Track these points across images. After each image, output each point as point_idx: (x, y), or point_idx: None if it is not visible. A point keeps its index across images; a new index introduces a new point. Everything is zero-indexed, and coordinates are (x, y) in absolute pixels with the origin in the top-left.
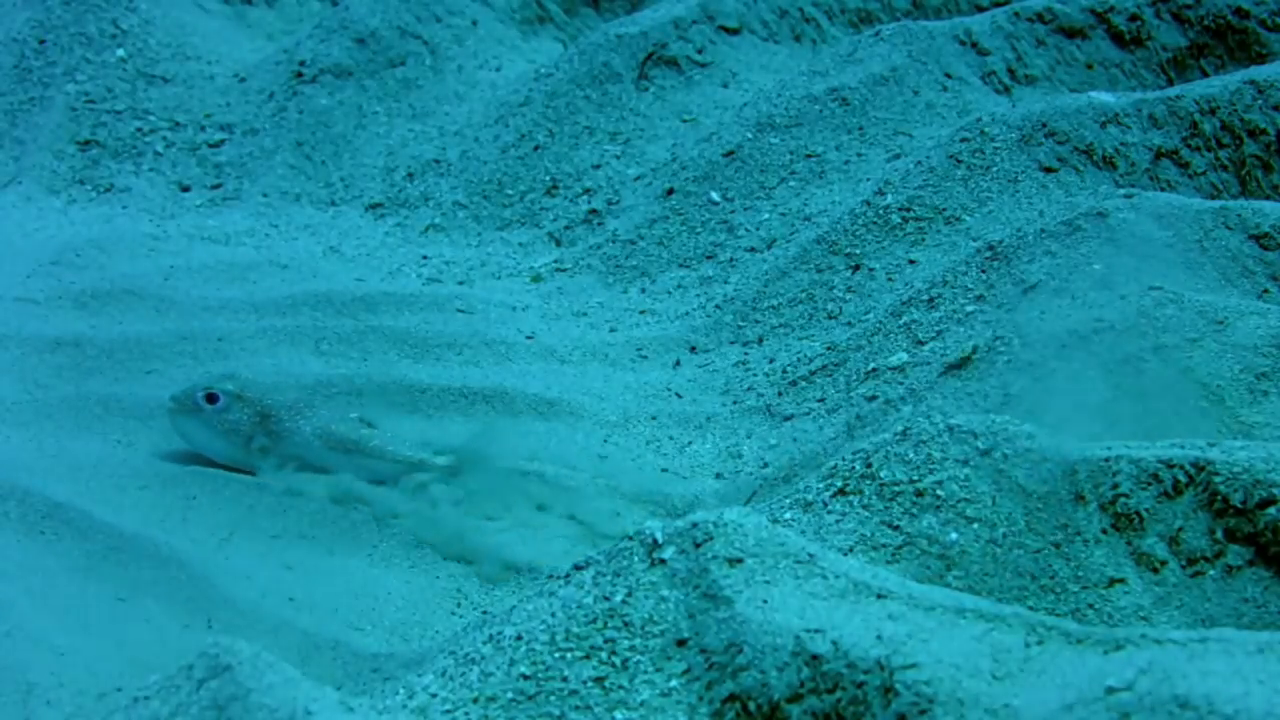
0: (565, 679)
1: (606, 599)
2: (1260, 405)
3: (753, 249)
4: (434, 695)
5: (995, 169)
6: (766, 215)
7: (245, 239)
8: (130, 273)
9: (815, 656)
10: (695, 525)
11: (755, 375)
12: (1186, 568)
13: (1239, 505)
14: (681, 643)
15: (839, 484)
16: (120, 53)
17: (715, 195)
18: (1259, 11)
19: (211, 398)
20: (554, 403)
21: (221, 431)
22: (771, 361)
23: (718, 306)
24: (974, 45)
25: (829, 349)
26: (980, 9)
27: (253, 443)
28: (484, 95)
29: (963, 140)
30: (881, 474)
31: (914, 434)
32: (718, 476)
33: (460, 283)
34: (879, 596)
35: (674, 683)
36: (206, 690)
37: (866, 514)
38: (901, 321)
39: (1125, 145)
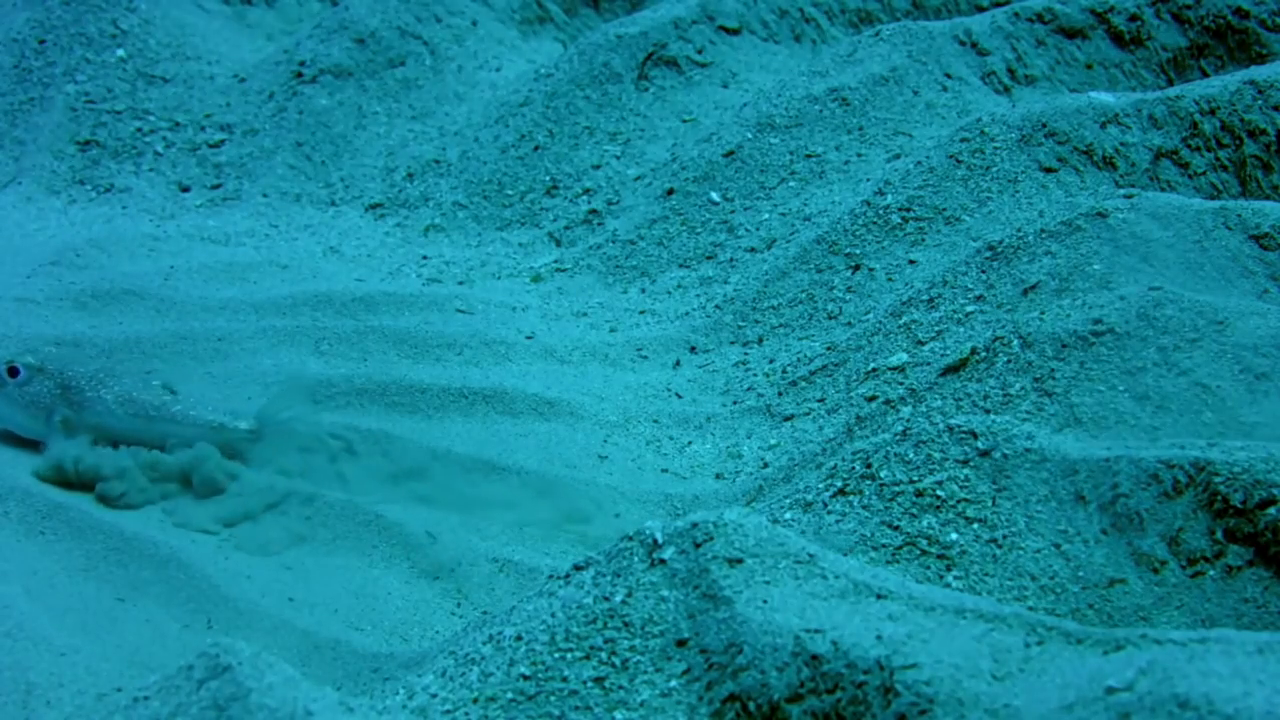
0: (565, 679)
1: (606, 599)
2: (1260, 405)
3: (753, 249)
4: (434, 695)
5: (995, 169)
6: (766, 215)
7: (245, 239)
8: (130, 273)
9: (815, 657)
10: (695, 525)
11: (755, 375)
12: (1186, 568)
13: (1239, 505)
14: (681, 643)
15: (839, 484)
16: (120, 53)
17: (715, 195)
18: (1259, 11)
19: (12, 371)
20: (554, 403)
21: (23, 405)
22: (771, 361)
23: (718, 306)
24: (974, 45)
25: (829, 349)
26: (980, 9)
27: (55, 415)
28: (484, 95)
29: (963, 140)
30: (881, 474)
31: (914, 434)
32: (718, 477)
33: (460, 283)
34: (879, 597)
35: (674, 683)
36: (206, 690)
37: (866, 514)
38: (901, 321)
39: (1125, 145)
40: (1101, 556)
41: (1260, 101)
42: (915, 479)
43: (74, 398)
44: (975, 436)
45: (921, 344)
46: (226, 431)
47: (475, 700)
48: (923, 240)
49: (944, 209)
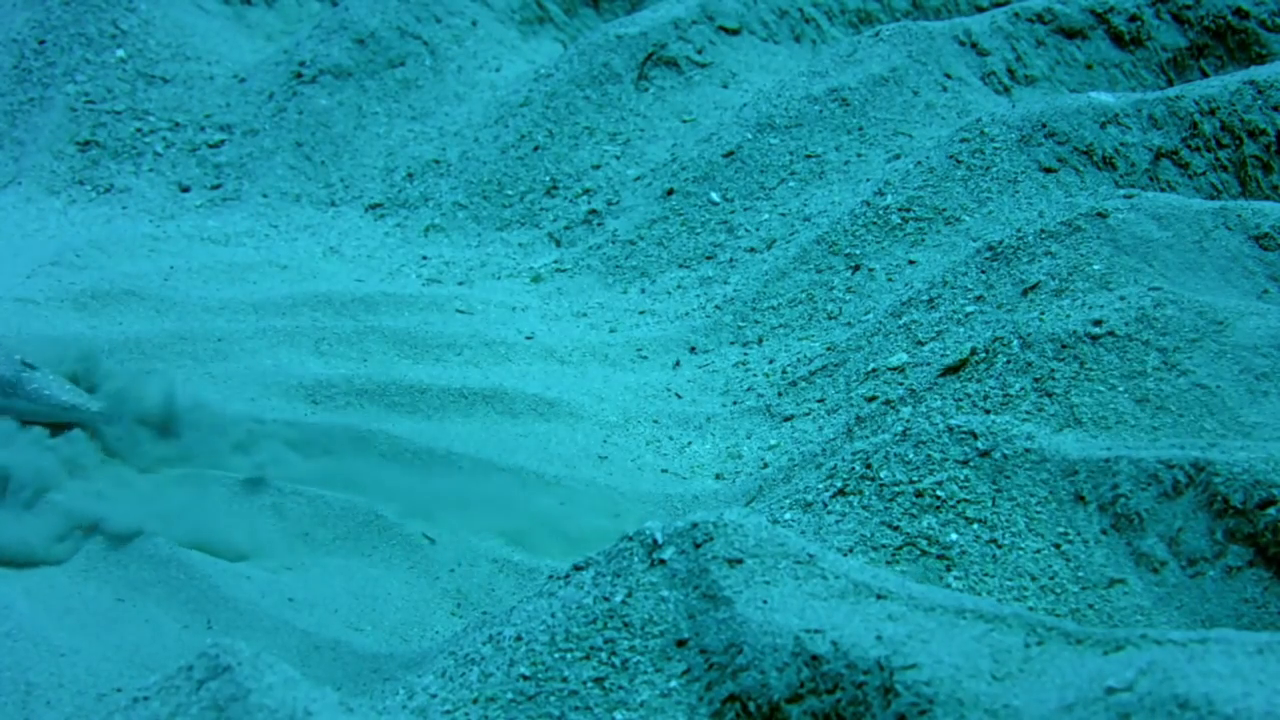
0: (565, 679)
1: (606, 599)
2: (1260, 405)
3: (753, 249)
4: (434, 696)
5: (995, 169)
6: (766, 215)
7: (245, 239)
8: (130, 273)
9: (815, 657)
10: (695, 525)
11: (755, 375)
12: (1186, 568)
13: (1239, 506)
14: (681, 643)
15: (839, 484)
16: (120, 53)
17: (715, 195)
18: (1259, 11)
19: None
20: (554, 403)
21: None
22: (771, 362)
23: (718, 307)
24: (974, 45)
25: (829, 349)
26: (980, 9)
27: None
28: (484, 95)
29: (963, 140)
30: (881, 474)
31: (914, 434)
32: (718, 477)
33: (460, 283)
34: (879, 597)
35: (674, 683)
36: (206, 691)
37: (866, 514)
38: (901, 322)
39: (1125, 145)
40: (1101, 557)
41: (1260, 101)
42: (915, 479)
43: None
44: (975, 437)
45: (921, 344)
46: (78, 412)
47: (475, 700)
48: (923, 240)
49: (944, 209)
